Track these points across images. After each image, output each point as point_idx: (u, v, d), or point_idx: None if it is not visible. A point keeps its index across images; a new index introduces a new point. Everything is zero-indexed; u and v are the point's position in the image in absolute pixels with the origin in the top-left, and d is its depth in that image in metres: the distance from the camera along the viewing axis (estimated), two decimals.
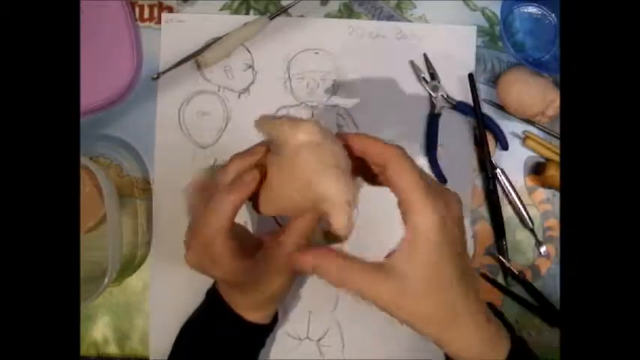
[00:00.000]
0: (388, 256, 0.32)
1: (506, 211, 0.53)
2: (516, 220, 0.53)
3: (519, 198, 0.53)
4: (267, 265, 0.39)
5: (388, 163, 0.32)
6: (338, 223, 0.32)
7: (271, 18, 0.53)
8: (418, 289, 0.31)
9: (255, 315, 0.43)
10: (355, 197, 0.32)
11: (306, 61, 0.54)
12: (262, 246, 0.41)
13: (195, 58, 0.53)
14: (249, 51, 0.54)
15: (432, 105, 0.54)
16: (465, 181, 0.53)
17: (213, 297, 0.44)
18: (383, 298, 0.31)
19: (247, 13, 0.55)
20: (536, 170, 0.53)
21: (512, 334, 0.34)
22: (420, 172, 0.32)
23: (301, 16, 0.55)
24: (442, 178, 0.52)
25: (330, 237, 0.37)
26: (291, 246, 0.37)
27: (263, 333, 0.45)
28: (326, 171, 0.32)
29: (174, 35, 0.54)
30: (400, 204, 0.32)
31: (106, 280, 0.46)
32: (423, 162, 0.53)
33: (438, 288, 0.31)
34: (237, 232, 0.38)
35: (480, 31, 0.54)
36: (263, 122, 0.35)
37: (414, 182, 0.31)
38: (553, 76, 0.52)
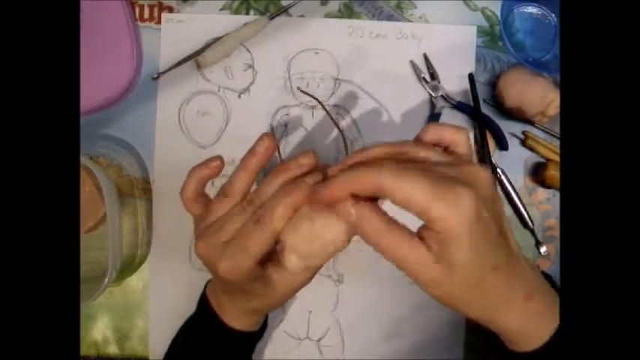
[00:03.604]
0: (419, 233, 0.30)
1: (506, 211, 0.53)
2: (516, 220, 0.53)
3: (519, 198, 0.53)
4: (274, 280, 0.37)
5: (382, 192, 0.29)
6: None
7: (271, 18, 0.53)
8: (453, 283, 0.29)
9: (243, 323, 0.41)
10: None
11: (306, 61, 0.54)
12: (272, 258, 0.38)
13: (195, 58, 0.53)
14: (249, 51, 0.54)
15: (432, 105, 0.54)
16: None
17: (201, 305, 0.43)
18: (418, 273, 0.29)
19: (247, 13, 0.55)
20: (536, 170, 0.53)
21: None
22: (421, 174, 0.28)
23: (301, 16, 0.55)
24: None
25: None
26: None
27: (251, 340, 0.44)
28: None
29: (174, 35, 0.54)
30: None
31: (106, 280, 0.46)
32: None
33: (476, 280, 0.29)
34: None
35: (480, 31, 0.54)
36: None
37: (418, 195, 0.28)
38: (553, 76, 0.52)
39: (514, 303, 0.31)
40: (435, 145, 0.34)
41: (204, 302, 0.43)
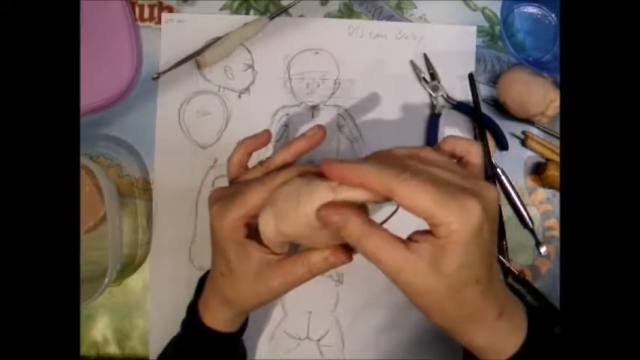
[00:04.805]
0: (412, 238, 0.31)
1: (506, 211, 0.53)
2: (516, 220, 0.53)
3: (519, 198, 0.53)
4: (249, 252, 0.37)
5: (392, 195, 0.29)
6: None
7: (271, 18, 0.53)
8: (437, 288, 0.30)
9: (220, 321, 0.41)
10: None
11: (306, 61, 0.54)
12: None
13: (195, 58, 0.53)
14: (249, 51, 0.54)
15: (432, 105, 0.54)
16: None
17: (190, 304, 0.44)
18: (400, 277, 0.30)
19: (247, 13, 0.55)
20: (536, 170, 0.53)
21: (530, 320, 0.33)
22: (431, 180, 0.29)
23: (301, 16, 0.55)
24: None
25: None
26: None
27: (226, 342, 0.43)
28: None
29: (174, 35, 0.54)
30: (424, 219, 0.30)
31: (106, 280, 0.46)
32: None
33: (459, 289, 0.30)
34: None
35: (480, 31, 0.54)
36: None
37: (425, 199, 0.28)
38: (553, 76, 0.52)
39: (485, 319, 0.32)
40: (450, 155, 0.36)
41: (192, 300, 0.44)
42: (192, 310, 0.43)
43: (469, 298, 0.30)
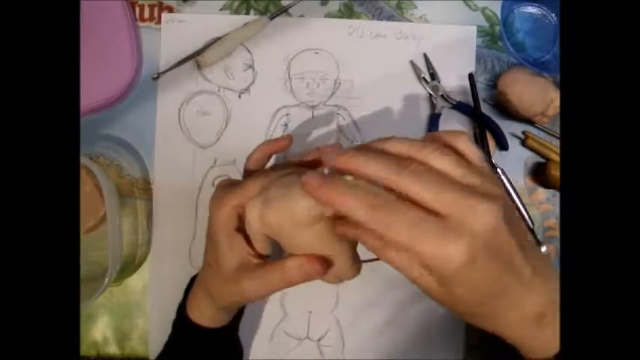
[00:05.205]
0: None
1: None
2: None
3: (519, 198, 0.52)
4: (235, 244, 0.37)
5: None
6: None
7: (271, 18, 0.53)
8: (457, 302, 0.30)
9: (205, 315, 0.42)
10: None
11: (306, 61, 0.54)
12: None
13: (195, 58, 0.53)
14: (249, 51, 0.54)
15: (432, 105, 0.54)
16: None
17: (178, 307, 0.44)
18: (422, 288, 0.29)
19: (247, 13, 0.55)
20: (536, 170, 0.53)
21: None
22: (408, 223, 0.27)
23: (301, 16, 0.55)
24: None
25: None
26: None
27: (214, 337, 0.43)
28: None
29: (174, 35, 0.54)
30: None
31: (106, 280, 0.46)
32: None
33: (479, 304, 0.29)
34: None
35: (480, 31, 0.54)
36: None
37: (408, 243, 0.27)
38: (553, 76, 0.52)
39: (525, 322, 0.31)
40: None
41: (182, 299, 0.44)
42: (181, 307, 0.43)
43: (498, 307, 0.30)
